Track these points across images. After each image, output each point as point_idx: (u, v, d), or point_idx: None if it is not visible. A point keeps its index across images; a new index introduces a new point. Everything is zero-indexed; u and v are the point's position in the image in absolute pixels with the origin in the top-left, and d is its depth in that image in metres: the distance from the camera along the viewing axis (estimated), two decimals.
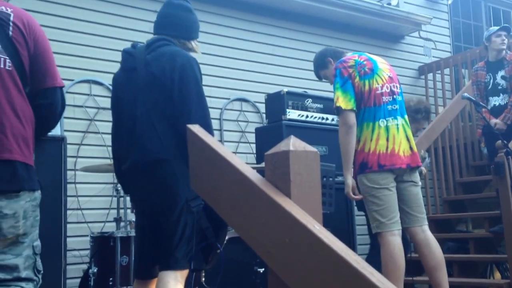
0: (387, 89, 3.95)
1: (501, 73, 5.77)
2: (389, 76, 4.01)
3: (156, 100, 2.92)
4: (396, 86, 4.03)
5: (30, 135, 2.39)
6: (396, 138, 3.87)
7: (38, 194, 2.38)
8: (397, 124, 3.91)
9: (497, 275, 5.88)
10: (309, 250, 1.24)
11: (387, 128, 3.87)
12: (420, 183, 4.05)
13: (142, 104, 2.94)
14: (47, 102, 2.47)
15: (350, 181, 3.90)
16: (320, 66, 4.40)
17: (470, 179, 7.02)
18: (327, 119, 5.64)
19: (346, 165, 3.88)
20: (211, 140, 1.60)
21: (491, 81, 5.84)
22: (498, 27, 5.88)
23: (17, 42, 2.35)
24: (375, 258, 4.91)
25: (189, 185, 2.78)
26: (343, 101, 3.86)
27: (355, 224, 5.65)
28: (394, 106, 3.94)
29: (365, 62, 3.97)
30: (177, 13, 3.18)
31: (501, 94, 5.75)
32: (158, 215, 2.90)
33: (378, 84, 3.93)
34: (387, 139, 3.85)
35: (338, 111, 3.91)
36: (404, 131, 3.94)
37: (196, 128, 1.67)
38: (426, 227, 3.95)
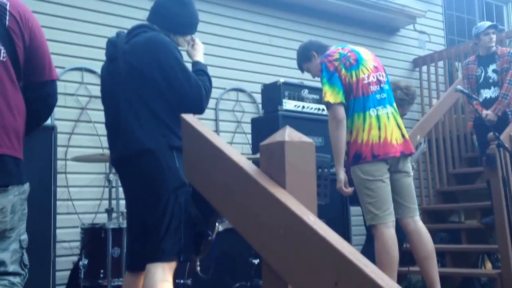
0: (374, 78, 3.95)
1: (492, 66, 5.85)
2: (374, 66, 4.01)
3: (138, 91, 2.89)
4: (382, 75, 4.03)
5: (22, 128, 2.35)
6: (388, 126, 3.87)
7: (26, 186, 2.35)
8: (387, 113, 3.91)
9: (488, 265, 5.90)
10: (303, 242, 1.22)
11: (378, 117, 3.86)
12: (412, 173, 4.06)
13: (124, 95, 2.92)
14: (44, 95, 2.44)
15: (342, 176, 3.91)
16: (303, 59, 4.40)
17: (462, 171, 7.06)
18: (323, 110, 5.61)
19: (338, 159, 3.87)
20: (205, 130, 1.58)
21: (483, 74, 5.92)
22: (486, 26, 5.92)
23: (14, 32, 2.30)
24: (370, 249, 4.93)
25: (175, 174, 2.80)
26: (331, 95, 3.85)
27: (350, 215, 5.65)
28: (382, 95, 3.94)
29: (349, 54, 3.96)
30: (169, 6, 3.12)
31: (492, 87, 5.84)
32: (144, 206, 2.87)
33: (364, 74, 3.92)
34: (379, 128, 3.84)
35: (327, 106, 3.91)
36: (394, 119, 3.94)
37: (190, 118, 1.65)
38: (417, 218, 3.98)
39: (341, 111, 3.84)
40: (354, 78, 3.90)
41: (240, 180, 1.42)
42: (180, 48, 3.11)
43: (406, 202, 3.95)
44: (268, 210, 1.32)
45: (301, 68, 4.49)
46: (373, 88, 3.92)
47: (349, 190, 3.93)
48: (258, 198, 1.35)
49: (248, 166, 1.41)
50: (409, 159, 4.03)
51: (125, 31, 3.15)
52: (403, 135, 3.95)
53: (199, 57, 3.15)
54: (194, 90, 2.92)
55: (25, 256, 2.35)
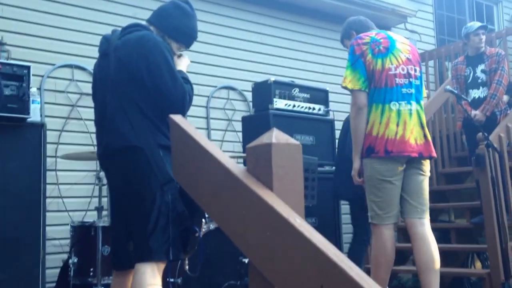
0: (403, 70, 3.71)
1: (481, 67, 5.90)
2: (407, 58, 3.77)
3: (125, 87, 2.89)
4: (415, 69, 3.78)
5: None
6: (408, 124, 3.64)
7: None
8: (411, 109, 3.67)
9: (478, 264, 5.94)
10: (289, 244, 1.23)
11: (398, 112, 3.64)
12: (428, 174, 3.81)
13: (112, 90, 2.93)
14: None
15: (357, 164, 3.73)
16: (344, 35, 4.21)
17: (452, 170, 7.08)
18: (314, 108, 5.64)
19: (355, 147, 3.72)
20: (193, 131, 1.58)
21: (471, 74, 5.97)
22: (477, 26, 5.95)
23: None
24: (357, 247, 4.94)
25: (162, 170, 2.80)
26: (351, 81, 3.68)
27: (341, 213, 5.67)
28: (409, 90, 3.70)
29: (381, 40, 3.75)
30: (172, 10, 3.16)
31: (480, 87, 5.89)
32: (130, 203, 2.86)
33: (392, 64, 3.69)
34: (397, 124, 3.62)
35: (347, 90, 3.77)
36: (418, 117, 3.71)
37: (178, 118, 1.65)
38: (425, 221, 3.72)
39: (362, 98, 3.66)
40: (379, 66, 3.67)
41: (226, 181, 1.42)
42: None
43: (414, 201, 3.71)
44: (254, 212, 1.32)
45: (343, 43, 4.28)
46: (400, 80, 3.68)
47: (360, 180, 3.77)
48: (244, 199, 1.35)
49: (234, 167, 1.41)
50: (428, 162, 3.81)
51: (117, 29, 3.17)
52: (425, 136, 3.73)
53: (183, 68, 3.16)
54: (178, 91, 2.91)
55: None
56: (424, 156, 3.70)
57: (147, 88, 2.88)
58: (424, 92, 3.91)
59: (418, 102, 3.74)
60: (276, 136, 1.35)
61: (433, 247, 3.64)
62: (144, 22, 3.19)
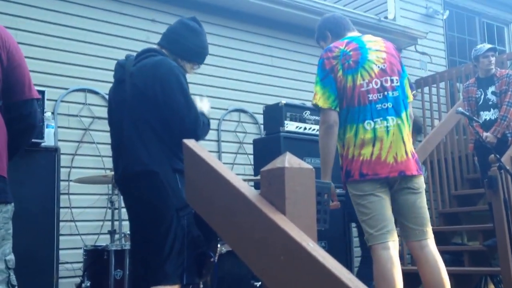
0: (376, 85, 3.38)
1: (491, 89, 5.90)
2: (380, 69, 3.42)
3: (142, 112, 2.93)
4: (391, 80, 3.43)
5: (1, 145, 2.34)
6: (385, 142, 3.32)
7: (10, 207, 2.33)
8: (387, 126, 3.34)
9: (491, 287, 5.88)
10: (303, 268, 1.23)
11: (374, 131, 3.33)
12: (421, 190, 3.44)
13: (129, 116, 2.96)
14: (24, 114, 2.43)
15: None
16: (319, 36, 3.88)
17: (464, 192, 7.05)
18: None
19: (323, 168, 3.42)
20: (206, 155, 1.59)
21: (482, 96, 5.98)
22: (486, 49, 5.96)
23: None
24: (366, 270, 4.91)
25: (178, 195, 2.81)
26: (321, 98, 3.40)
27: (352, 236, 5.65)
28: (385, 105, 3.37)
29: (351, 53, 3.43)
30: (181, 31, 3.20)
31: (491, 109, 5.89)
32: (147, 227, 2.88)
33: (363, 80, 3.38)
34: (373, 144, 3.31)
35: (316, 108, 3.48)
36: (399, 132, 3.37)
37: (191, 143, 1.67)
38: (426, 242, 3.39)
39: (332, 116, 3.37)
40: (350, 83, 3.38)
41: (240, 205, 1.43)
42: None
43: (410, 223, 3.39)
44: (268, 236, 1.33)
45: (318, 43, 3.94)
46: (373, 96, 3.37)
47: (335, 203, 3.46)
48: (258, 223, 1.36)
49: (248, 191, 1.42)
50: (420, 177, 3.45)
51: (134, 54, 3.21)
52: (406, 152, 3.37)
53: (204, 110, 3.18)
54: (192, 116, 2.94)
55: (13, 277, 2.31)
56: (407, 175, 3.34)
57: (163, 113, 2.91)
58: (410, 96, 3.60)
59: (398, 115, 3.40)
60: (289, 160, 1.37)
61: (438, 270, 3.36)
62: (155, 46, 3.23)
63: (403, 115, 3.42)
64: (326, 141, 3.40)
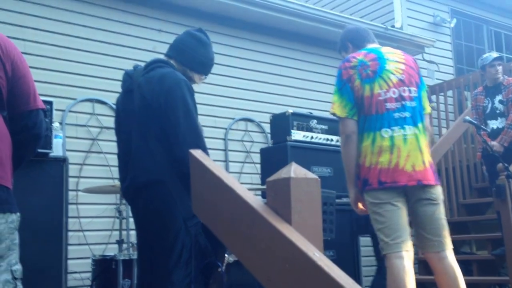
0: (394, 94, 3.44)
1: (498, 97, 5.89)
2: (398, 79, 3.49)
3: (149, 123, 2.94)
4: (409, 90, 3.49)
5: (6, 155, 2.34)
6: (402, 150, 3.35)
7: (16, 217, 2.33)
8: (405, 135, 3.38)
9: None
10: (308, 277, 1.24)
11: (391, 139, 3.37)
12: (439, 201, 3.44)
13: (136, 126, 2.97)
14: (29, 125, 2.43)
15: (352, 194, 3.50)
16: (342, 47, 3.96)
17: (473, 201, 7.01)
18: (332, 140, 5.64)
19: (348, 176, 3.48)
20: (213, 165, 1.61)
21: (490, 105, 5.97)
22: (492, 58, 5.96)
23: None
24: (382, 281, 4.89)
25: (185, 205, 2.81)
26: (338, 108, 3.47)
27: (360, 246, 5.63)
28: (403, 114, 3.42)
29: (369, 63, 3.50)
30: (189, 42, 3.22)
31: (499, 118, 5.87)
32: (155, 236, 2.89)
33: (381, 89, 3.44)
34: (391, 152, 3.35)
35: (335, 117, 3.57)
36: (416, 142, 3.40)
37: (198, 153, 1.68)
38: (445, 253, 3.38)
39: (349, 125, 3.44)
40: (368, 93, 3.44)
41: (246, 215, 1.44)
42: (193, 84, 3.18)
43: (428, 234, 3.39)
44: (274, 245, 1.34)
45: (340, 53, 4.00)
46: (391, 105, 3.42)
47: (360, 209, 3.53)
48: (264, 233, 1.37)
49: (254, 201, 1.43)
50: (438, 187, 3.46)
51: (142, 64, 3.23)
52: (424, 162, 3.39)
53: None
54: (191, 135, 2.88)
55: (20, 287, 2.32)
56: (424, 184, 3.36)
57: (164, 124, 2.92)
58: (427, 108, 3.65)
59: (415, 125, 3.45)
60: (294, 170, 1.38)
61: (459, 281, 3.33)
62: (163, 56, 3.25)
63: (420, 125, 3.47)
64: (346, 150, 3.47)
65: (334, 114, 3.52)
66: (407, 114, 3.43)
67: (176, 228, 2.81)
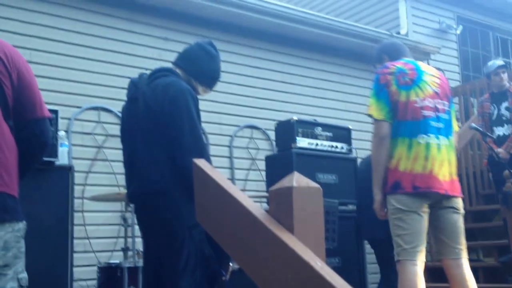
0: (429, 103, 3.54)
1: (505, 104, 5.90)
2: (434, 91, 3.60)
3: (154, 131, 2.95)
4: (443, 103, 3.61)
5: (12, 164, 2.35)
6: (437, 158, 3.45)
7: (22, 225, 2.34)
8: (439, 144, 3.49)
9: None
10: (310, 287, 1.24)
11: (427, 146, 3.45)
12: (462, 211, 3.60)
13: (141, 135, 2.98)
14: (36, 133, 2.44)
15: (379, 197, 3.55)
16: (377, 59, 4.02)
17: (479, 208, 6.99)
18: (336, 147, 5.65)
19: (376, 178, 3.54)
20: (216, 175, 1.61)
21: (496, 112, 5.97)
22: (496, 66, 5.97)
23: (0, 73, 2.30)
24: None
25: (190, 213, 2.80)
26: (375, 110, 3.56)
27: (365, 252, 5.62)
28: (438, 124, 3.54)
29: (408, 72, 3.59)
30: (199, 54, 3.24)
31: (505, 125, 5.87)
32: (160, 245, 2.90)
33: (417, 96, 3.53)
34: (426, 158, 3.43)
35: (371, 118, 3.65)
36: (447, 153, 3.52)
37: (201, 163, 1.68)
38: (463, 261, 3.49)
39: (385, 128, 3.50)
40: (403, 98, 3.52)
41: (249, 224, 1.44)
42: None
43: (451, 241, 3.50)
44: (276, 255, 1.34)
45: (374, 65, 4.09)
46: (427, 113, 3.51)
47: (384, 213, 3.57)
48: (266, 242, 1.36)
49: (257, 211, 1.43)
50: (460, 199, 3.61)
51: (147, 72, 3.24)
52: (451, 174, 3.52)
53: None
54: (195, 144, 2.90)
55: None
56: (450, 195, 3.49)
57: (169, 134, 2.92)
58: (456, 126, 3.77)
59: (447, 137, 3.57)
60: (296, 179, 1.38)
61: None
62: (170, 64, 3.26)
63: (451, 138, 3.61)
64: (378, 152, 3.53)
65: (370, 116, 3.61)
66: (441, 125, 3.55)
67: (182, 236, 2.82)
